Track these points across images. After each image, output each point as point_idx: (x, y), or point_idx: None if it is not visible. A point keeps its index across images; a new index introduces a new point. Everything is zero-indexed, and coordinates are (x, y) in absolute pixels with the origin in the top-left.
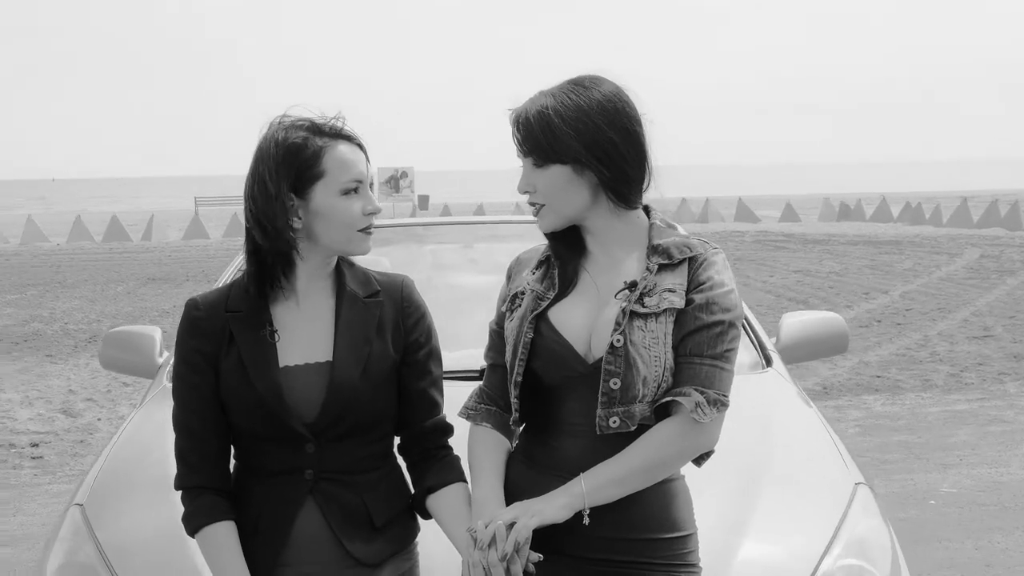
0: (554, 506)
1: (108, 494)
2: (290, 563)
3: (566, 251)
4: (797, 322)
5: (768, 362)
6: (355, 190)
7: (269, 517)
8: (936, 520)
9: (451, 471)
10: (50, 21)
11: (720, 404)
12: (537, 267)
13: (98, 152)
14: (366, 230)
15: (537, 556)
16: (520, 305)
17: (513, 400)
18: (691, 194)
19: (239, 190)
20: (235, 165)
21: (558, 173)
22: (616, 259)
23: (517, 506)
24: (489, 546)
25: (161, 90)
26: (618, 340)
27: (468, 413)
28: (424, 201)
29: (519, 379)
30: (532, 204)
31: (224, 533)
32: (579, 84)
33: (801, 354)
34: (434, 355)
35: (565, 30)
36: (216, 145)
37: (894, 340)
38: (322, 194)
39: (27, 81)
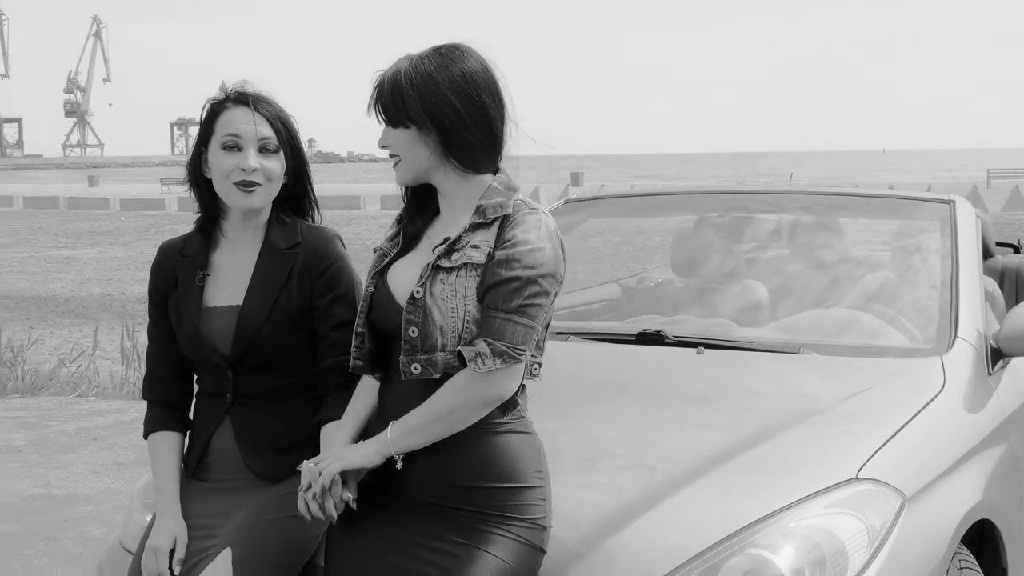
0: (361, 452)
1: None
2: (208, 470)
3: (414, 211)
4: None
5: (951, 345)
6: (235, 147)
7: (197, 431)
8: None
9: (339, 409)
10: None
11: (507, 356)
12: (393, 226)
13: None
14: (241, 185)
15: (348, 495)
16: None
17: (353, 349)
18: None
19: None
20: None
21: (404, 134)
22: (456, 220)
23: (333, 451)
24: (309, 486)
25: None
26: (418, 292)
27: (355, 365)
28: None
29: (360, 330)
30: (392, 156)
31: (164, 441)
32: (438, 51)
33: None
34: (341, 301)
35: None
36: None
37: None
38: (212, 149)
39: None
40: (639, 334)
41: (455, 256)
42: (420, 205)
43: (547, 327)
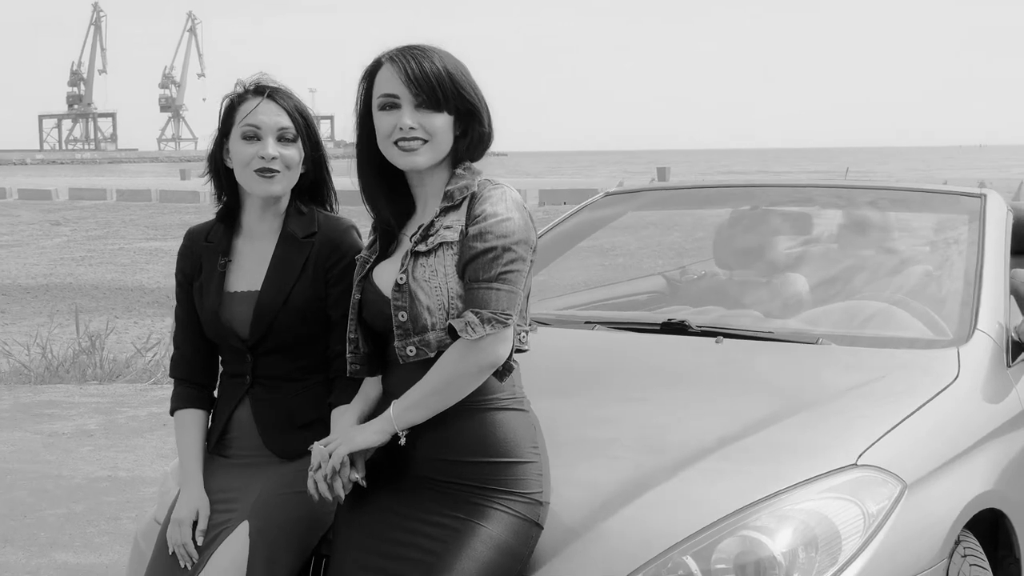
0: (367, 433)
1: None
2: (229, 446)
3: (393, 217)
4: None
5: (969, 337)
6: (255, 137)
7: (219, 409)
8: None
9: (349, 392)
10: None
11: (495, 321)
12: (371, 234)
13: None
14: (261, 172)
15: (356, 476)
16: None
17: (348, 355)
18: None
19: None
20: None
21: (443, 120)
22: (428, 210)
23: (341, 434)
24: (319, 467)
25: None
26: (401, 278)
27: (353, 370)
28: None
29: (352, 336)
30: (414, 139)
31: (188, 418)
32: (438, 50)
33: None
34: (351, 291)
35: None
36: None
37: None
38: (233, 139)
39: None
40: (663, 324)
41: (430, 239)
42: (400, 210)
43: (528, 296)
